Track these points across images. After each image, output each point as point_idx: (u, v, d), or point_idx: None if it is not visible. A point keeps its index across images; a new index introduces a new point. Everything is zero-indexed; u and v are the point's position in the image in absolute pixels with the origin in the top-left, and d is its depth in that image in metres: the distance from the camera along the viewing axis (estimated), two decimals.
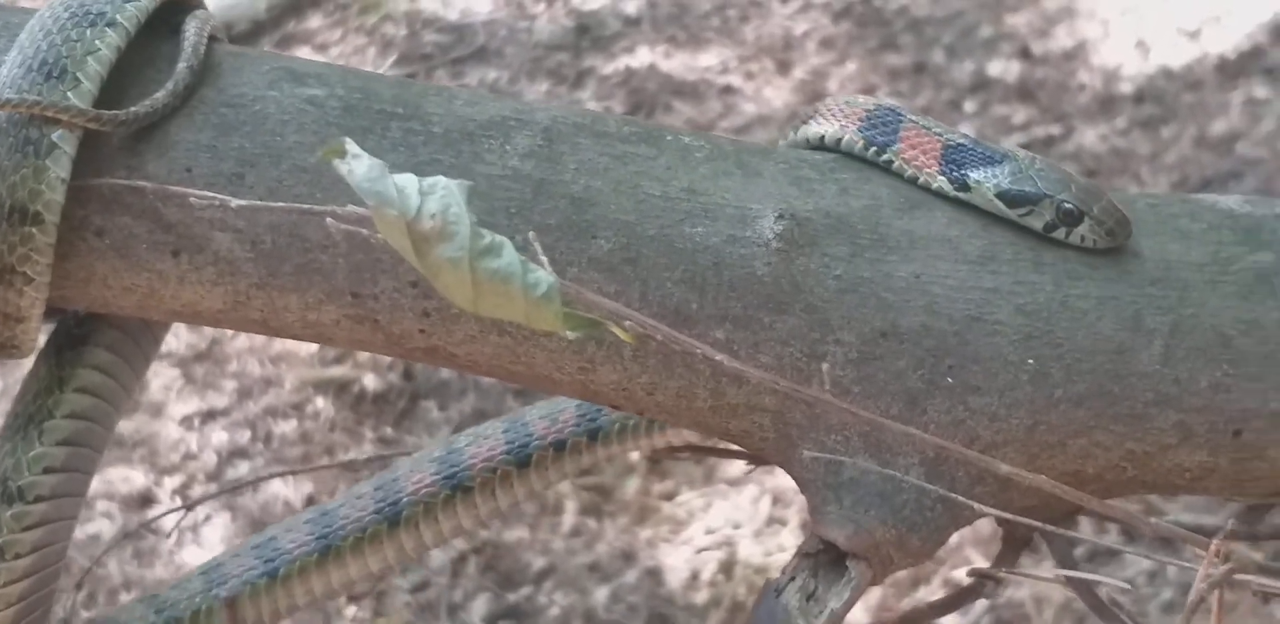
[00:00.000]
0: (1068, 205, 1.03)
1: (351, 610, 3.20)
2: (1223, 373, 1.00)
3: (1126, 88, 4.15)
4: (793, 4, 4.62)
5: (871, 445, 1.00)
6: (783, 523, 3.26)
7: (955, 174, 1.05)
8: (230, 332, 3.78)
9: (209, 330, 3.78)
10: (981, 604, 2.91)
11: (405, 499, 1.29)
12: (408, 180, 0.80)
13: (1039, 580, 0.95)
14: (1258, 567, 0.83)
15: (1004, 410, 1.00)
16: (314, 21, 4.72)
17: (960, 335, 1.00)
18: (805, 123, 1.12)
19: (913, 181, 1.07)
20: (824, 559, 1.01)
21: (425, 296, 1.01)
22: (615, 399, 1.04)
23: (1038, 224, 1.04)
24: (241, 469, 3.53)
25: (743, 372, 0.87)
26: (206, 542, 3.37)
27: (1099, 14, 4.35)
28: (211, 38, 1.07)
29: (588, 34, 4.56)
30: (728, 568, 3.19)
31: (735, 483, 3.29)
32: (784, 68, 4.44)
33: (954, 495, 0.96)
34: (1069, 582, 0.97)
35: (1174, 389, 1.00)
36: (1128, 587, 0.88)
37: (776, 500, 3.29)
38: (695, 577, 3.24)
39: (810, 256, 1.01)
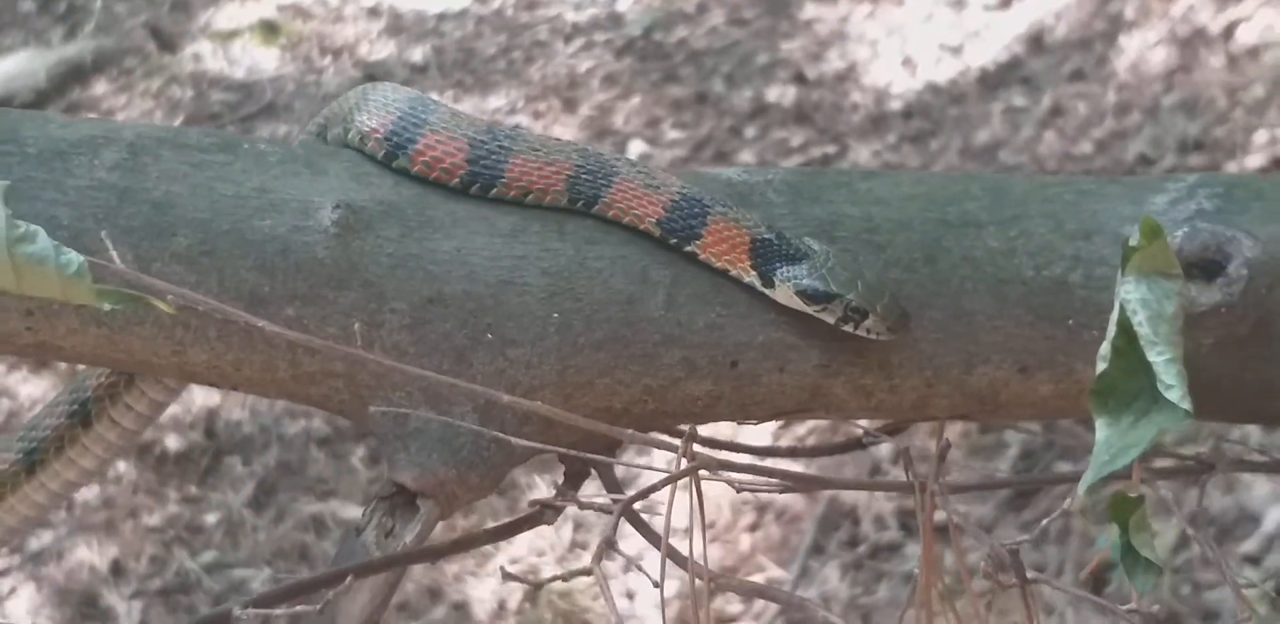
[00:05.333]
0: (855, 304, 1.15)
1: None
2: (717, 314, 1.16)
3: (896, 105, 4.28)
4: (576, 43, 4.76)
5: (431, 398, 1.14)
6: (584, 547, 3.34)
7: (764, 269, 1.17)
8: (25, 398, 3.82)
9: (5, 402, 3.82)
10: (774, 608, 3.01)
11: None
12: None
13: (597, 509, 1.10)
14: (720, 463, 0.98)
15: (537, 358, 1.15)
16: (99, 88, 4.76)
17: (496, 297, 1.15)
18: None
19: (723, 273, 1.17)
20: (399, 501, 1.16)
21: (27, 296, 1.13)
22: (210, 377, 1.17)
23: (830, 319, 1.16)
24: (45, 539, 3.53)
25: (295, 338, 1.02)
26: (13, 615, 3.39)
27: (868, 36, 4.51)
28: None
29: None
30: (532, 596, 3.24)
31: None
32: (570, 105, 4.57)
33: (504, 436, 1.11)
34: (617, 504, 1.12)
35: (677, 330, 1.16)
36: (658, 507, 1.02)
37: (578, 526, 3.36)
38: (502, 607, 3.29)
39: (365, 239, 1.16)
